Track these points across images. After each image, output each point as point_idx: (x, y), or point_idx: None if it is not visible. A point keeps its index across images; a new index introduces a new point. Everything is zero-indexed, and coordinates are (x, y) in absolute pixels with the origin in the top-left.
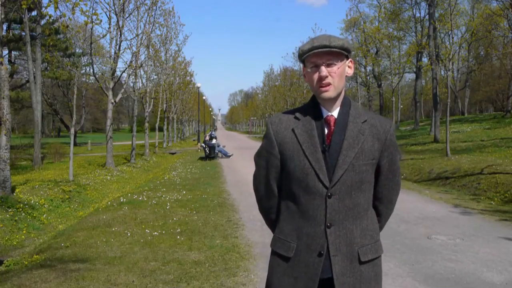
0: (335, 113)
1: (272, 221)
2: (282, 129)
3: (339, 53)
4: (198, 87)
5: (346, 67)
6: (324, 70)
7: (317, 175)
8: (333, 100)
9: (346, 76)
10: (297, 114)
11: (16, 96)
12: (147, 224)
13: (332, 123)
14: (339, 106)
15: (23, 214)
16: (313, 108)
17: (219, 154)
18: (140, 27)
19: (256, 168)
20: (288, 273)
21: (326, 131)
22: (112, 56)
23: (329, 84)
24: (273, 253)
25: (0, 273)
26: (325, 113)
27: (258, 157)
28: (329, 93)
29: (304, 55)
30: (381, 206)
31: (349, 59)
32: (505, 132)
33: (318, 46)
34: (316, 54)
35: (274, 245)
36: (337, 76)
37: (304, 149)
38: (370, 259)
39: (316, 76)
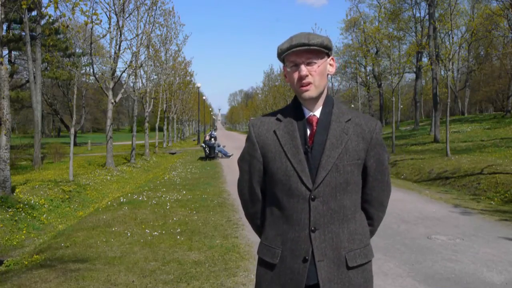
0: (317, 113)
1: (258, 227)
2: (264, 131)
3: (319, 51)
4: (198, 87)
5: (328, 65)
6: (304, 69)
7: (300, 177)
8: (315, 99)
9: (328, 74)
10: (279, 116)
11: (16, 96)
12: (147, 224)
13: (314, 123)
14: (321, 105)
15: (23, 214)
16: (294, 108)
17: (219, 154)
18: (140, 27)
19: (240, 172)
20: (275, 280)
21: (308, 131)
22: (112, 56)
23: (309, 83)
24: (260, 260)
25: (0, 273)
26: (307, 113)
27: (241, 161)
28: (310, 92)
29: (283, 54)
30: (372, 209)
31: (330, 57)
32: (505, 132)
33: (296, 45)
34: (295, 53)
35: (260, 252)
36: (317, 75)
37: (286, 150)
38: (358, 264)
39: (296, 75)
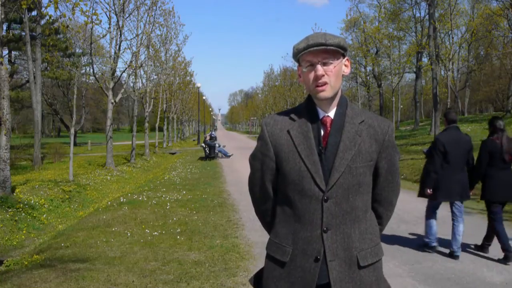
0: (331, 113)
1: (268, 224)
2: (277, 130)
3: (335, 51)
4: (198, 87)
5: (343, 66)
6: (320, 69)
7: (313, 178)
8: (330, 100)
9: (342, 75)
10: (293, 115)
11: (16, 96)
12: (147, 224)
13: (328, 124)
14: (335, 106)
15: (23, 214)
16: (309, 108)
17: (219, 154)
18: (140, 27)
19: (251, 170)
20: (284, 277)
21: (322, 132)
22: (112, 56)
23: (325, 84)
24: (269, 256)
25: (0, 273)
26: (321, 114)
27: (253, 159)
28: (326, 92)
29: (299, 54)
30: (381, 209)
31: (346, 58)
32: None
33: (313, 44)
34: (311, 53)
35: (269, 248)
36: (333, 75)
37: (300, 151)
38: (370, 263)
39: (312, 75)
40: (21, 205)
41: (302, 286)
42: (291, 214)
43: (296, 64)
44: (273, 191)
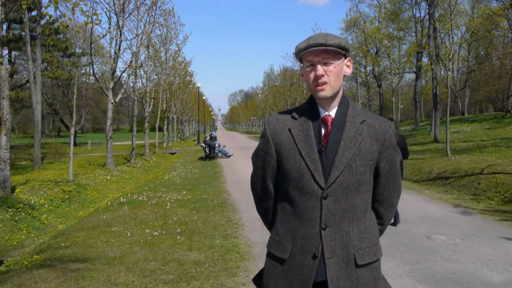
0: (332, 112)
1: (269, 222)
2: (279, 128)
3: (336, 51)
4: (198, 87)
5: (344, 66)
6: (320, 69)
7: (313, 175)
8: (331, 99)
9: (344, 75)
10: (294, 114)
11: (16, 96)
12: (147, 224)
13: (329, 123)
14: (336, 105)
15: (23, 214)
16: (310, 107)
17: (219, 154)
18: (140, 27)
19: (254, 168)
20: (283, 275)
21: (323, 131)
22: (112, 56)
23: (325, 83)
24: (269, 254)
25: (0, 273)
26: (323, 112)
27: (255, 157)
28: (325, 92)
29: (300, 53)
30: (382, 209)
31: (347, 58)
32: (505, 132)
33: (313, 45)
34: (312, 53)
35: (269, 246)
36: (333, 75)
37: (300, 149)
38: (367, 263)
39: (312, 75)
40: (21, 205)
41: (300, 283)
42: (291, 212)
43: (297, 64)
44: (274, 190)
